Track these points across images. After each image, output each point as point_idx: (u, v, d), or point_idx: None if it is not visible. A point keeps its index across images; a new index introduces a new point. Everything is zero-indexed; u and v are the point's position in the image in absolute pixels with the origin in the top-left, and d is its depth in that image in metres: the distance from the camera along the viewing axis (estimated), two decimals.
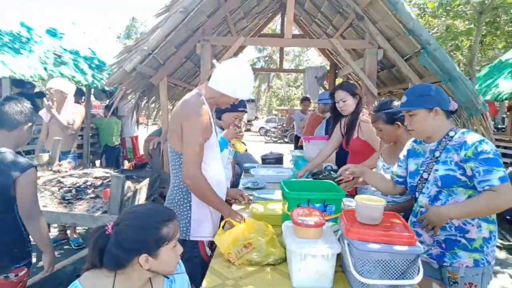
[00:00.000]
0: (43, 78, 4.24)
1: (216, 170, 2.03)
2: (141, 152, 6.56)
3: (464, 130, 1.77)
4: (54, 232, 4.17)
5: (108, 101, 7.14)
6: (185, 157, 1.82)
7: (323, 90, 7.15)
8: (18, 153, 2.18)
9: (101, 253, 1.28)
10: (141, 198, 2.84)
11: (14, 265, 1.97)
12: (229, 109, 2.27)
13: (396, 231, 1.42)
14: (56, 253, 3.89)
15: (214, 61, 2.03)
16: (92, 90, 6.20)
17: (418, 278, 1.37)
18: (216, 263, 1.69)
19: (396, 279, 1.37)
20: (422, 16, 8.86)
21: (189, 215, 1.94)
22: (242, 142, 2.72)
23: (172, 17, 3.40)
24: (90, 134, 5.84)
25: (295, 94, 34.38)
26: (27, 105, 2.06)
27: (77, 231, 4.16)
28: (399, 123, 2.12)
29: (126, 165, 6.41)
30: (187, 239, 1.94)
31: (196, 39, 4.09)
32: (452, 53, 9.39)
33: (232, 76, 1.92)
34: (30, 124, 2.06)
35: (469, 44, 8.33)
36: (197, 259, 1.85)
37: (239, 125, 2.70)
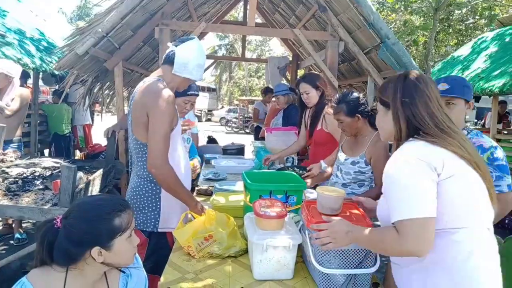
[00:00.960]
0: None
1: (182, 160, 1.97)
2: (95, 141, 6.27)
3: (477, 131, 1.81)
4: None
5: (57, 86, 6.70)
6: (151, 146, 1.74)
7: (284, 81, 7.19)
8: None
9: (51, 248, 1.19)
10: (94, 190, 2.69)
11: None
12: (179, 93, 2.18)
13: (354, 221, 1.44)
14: (1, 247, 3.66)
15: (169, 44, 1.94)
16: (40, 74, 5.77)
17: (375, 267, 1.40)
18: (175, 257, 1.64)
19: (355, 268, 1.40)
20: (381, 11, 9.13)
21: (158, 206, 1.89)
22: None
23: None
24: (38, 122, 5.45)
25: (256, 84, 34.39)
26: None
27: (23, 226, 3.90)
28: (359, 115, 2.16)
29: (78, 155, 6.09)
30: (155, 230, 1.89)
31: (155, 23, 3.92)
32: (407, 48, 9.81)
33: (195, 60, 1.86)
34: None
35: (424, 40, 8.73)
36: (164, 251, 1.79)
37: (189, 110, 2.60)
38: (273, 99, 4.91)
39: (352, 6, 3.60)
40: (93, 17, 3.63)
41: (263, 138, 4.63)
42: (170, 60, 1.85)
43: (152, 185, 1.88)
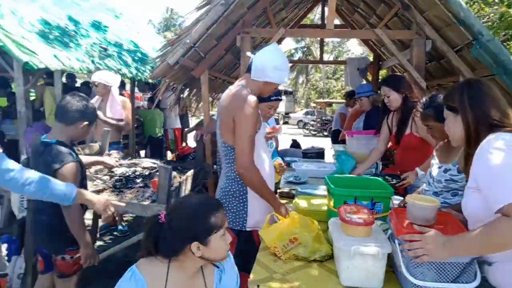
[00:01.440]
0: (90, 70, 4.42)
1: (266, 162, 2.06)
2: (184, 143, 6.75)
3: None
4: None
5: (150, 93, 7.37)
6: (238, 147, 1.87)
7: (365, 82, 6.95)
8: (73, 145, 2.30)
9: (156, 240, 1.34)
10: (186, 189, 2.91)
11: (68, 247, 2.11)
12: (263, 99, 2.27)
13: (450, 233, 1.36)
14: (107, 238, 4.15)
15: (248, 53, 2.06)
16: (136, 82, 6.41)
17: (475, 283, 1.31)
18: (262, 256, 1.71)
19: (451, 282, 1.32)
20: (472, 4, 8.32)
21: (245, 206, 1.99)
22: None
23: (213, 10, 3.42)
24: (135, 125, 6.06)
25: (334, 86, 33.70)
26: (90, 105, 2.17)
27: (124, 219, 4.37)
28: None
29: (169, 156, 6.60)
30: (243, 229, 2.00)
31: (236, 32, 4.09)
32: (505, 44, 8.78)
33: (274, 63, 1.94)
34: (86, 123, 2.16)
35: None
36: (251, 249, 1.89)
37: (273, 114, 2.68)
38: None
39: (438, 2, 3.36)
40: (182, 30, 3.92)
41: (342, 142, 4.55)
42: (249, 68, 1.99)
43: (240, 186, 1.98)
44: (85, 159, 2.48)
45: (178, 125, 6.99)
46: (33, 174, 1.67)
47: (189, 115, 8.01)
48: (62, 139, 2.10)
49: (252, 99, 1.88)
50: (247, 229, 2.00)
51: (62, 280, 2.16)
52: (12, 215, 3.33)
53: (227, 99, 1.97)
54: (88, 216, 3.13)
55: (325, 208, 2.11)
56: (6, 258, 3.08)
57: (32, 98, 5.16)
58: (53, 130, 2.18)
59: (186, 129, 7.14)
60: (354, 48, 32.74)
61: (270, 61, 1.94)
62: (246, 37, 4.02)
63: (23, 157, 3.74)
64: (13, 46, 3.42)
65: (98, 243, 3.90)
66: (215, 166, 4.33)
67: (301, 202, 2.24)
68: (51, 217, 2.09)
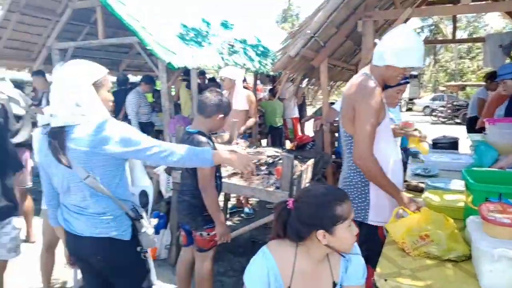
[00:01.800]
0: (220, 67, 4.85)
1: (391, 152, 1.99)
2: (306, 132, 6.88)
3: None
4: (232, 200, 4.90)
5: (270, 85, 7.71)
6: (356, 137, 1.84)
7: (510, 61, 5.94)
8: (210, 135, 2.58)
9: (284, 224, 1.44)
10: (307, 177, 3.01)
11: (205, 225, 2.38)
12: (389, 86, 2.14)
13: None
14: (235, 219, 4.57)
15: (376, 40, 1.95)
16: (258, 75, 6.77)
17: None
18: (389, 250, 1.66)
19: None
20: None
21: (367, 198, 1.96)
22: (424, 141, 2.52)
23: None
24: (257, 116, 6.43)
25: (468, 67, 29.41)
26: (224, 99, 2.40)
27: (250, 202, 4.73)
28: None
29: (289, 145, 6.83)
30: (365, 221, 1.98)
31: (357, 17, 3.95)
32: None
33: (395, 45, 1.81)
34: (222, 115, 2.39)
35: None
36: (374, 242, 1.87)
37: (400, 98, 2.50)
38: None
39: None
40: (303, 21, 3.97)
41: (479, 131, 4.01)
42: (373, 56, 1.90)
43: (361, 176, 1.94)
44: (218, 147, 2.77)
45: (296, 114, 7.15)
46: (172, 146, 1.74)
47: (306, 104, 8.11)
48: (202, 129, 2.38)
49: (373, 86, 1.80)
50: (369, 222, 1.96)
51: (201, 254, 2.46)
52: (160, 194, 3.92)
53: (350, 88, 1.94)
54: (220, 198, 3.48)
55: (461, 204, 1.93)
56: (154, 231, 3.65)
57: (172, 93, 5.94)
58: (195, 121, 2.48)
59: (303, 119, 7.25)
60: (494, 21, 27.66)
61: (392, 44, 1.83)
62: (368, 21, 3.86)
63: None
64: (158, 48, 3.98)
65: (227, 223, 4.31)
66: (333, 156, 4.32)
67: (433, 197, 2.08)
68: (193, 198, 2.38)
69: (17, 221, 2.35)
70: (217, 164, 1.92)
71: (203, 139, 2.31)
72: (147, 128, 5.54)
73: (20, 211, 2.45)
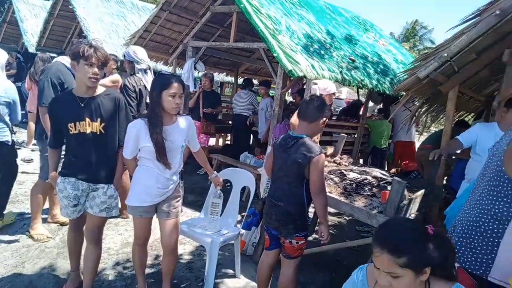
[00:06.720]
0: (337, 80, 4.83)
1: None
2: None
3: None
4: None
5: (381, 104, 7.39)
6: None
7: None
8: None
9: None
10: (414, 208, 2.81)
11: (296, 233, 2.41)
12: None
13: None
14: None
15: None
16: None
17: None
18: None
19: None
20: None
21: (494, 251, 1.65)
22: None
23: (484, 21, 3.07)
24: (362, 134, 6.22)
25: None
26: (324, 103, 2.45)
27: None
28: None
29: (392, 169, 6.46)
30: (484, 277, 1.68)
31: (505, 45, 3.54)
32: None
33: None
34: (324, 119, 2.44)
35: None
36: None
37: None
38: None
39: None
40: (441, 43, 3.71)
41: None
42: None
43: (497, 224, 1.65)
44: None
45: (403, 138, 6.70)
46: None
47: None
48: (308, 134, 2.42)
49: None
50: (489, 279, 1.66)
51: (288, 261, 2.50)
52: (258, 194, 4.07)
53: None
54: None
55: None
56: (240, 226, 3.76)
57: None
58: (299, 127, 2.49)
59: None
60: None
61: None
62: None
63: None
64: (283, 56, 4.16)
65: (314, 235, 4.27)
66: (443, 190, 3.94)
67: None
68: (288, 204, 2.41)
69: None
70: None
71: (315, 146, 2.34)
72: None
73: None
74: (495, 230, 1.65)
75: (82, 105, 2.33)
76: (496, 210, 1.64)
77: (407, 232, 1.30)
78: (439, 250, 1.30)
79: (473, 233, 1.71)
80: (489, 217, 1.68)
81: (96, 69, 2.26)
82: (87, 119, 2.33)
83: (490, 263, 1.65)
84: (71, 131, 2.33)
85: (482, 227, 1.69)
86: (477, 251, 1.69)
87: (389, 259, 1.24)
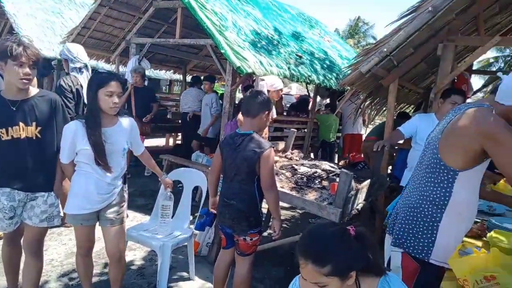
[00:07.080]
0: (286, 76, 4.89)
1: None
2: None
3: None
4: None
5: (328, 99, 7.63)
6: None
7: None
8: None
9: None
10: (360, 197, 2.91)
11: (249, 230, 2.39)
12: None
13: None
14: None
15: (499, 74, 1.77)
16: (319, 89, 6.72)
17: None
18: (447, 286, 1.56)
19: None
20: None
21: (434, 234, 1.74)
22: None
23: (419, 18, 3.26)
24: (312, 128, 6.38)
25: None
26: (264, 96, 2.44)
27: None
28: None
29: (341, 161, 6.69)
30: (425, 260, 1.75)
31: (438, 40, 3.79)
32: None
33: None
34: (266, 112, 2.42)
35: None
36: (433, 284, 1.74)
37: None
38: None
39: None
40: (380, 39, 3.88)
41: None
42: (496, 88, 1.70)
43: (436, 210, 1.73)
44: None
45: (351, 131, 6.97)
46: None
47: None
48: (254, 130, 2.38)
49: (505, 124, 1.57)
50: (431, 261, 1.73)
51: (243, 258, 2.48)
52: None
53: (469, 120, 1.65)
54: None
55: None
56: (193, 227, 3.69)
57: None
58: (244, 124, 2.45)
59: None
60: None
61: None
62: (450, 45, 3.69)
63: None
64: (231, 53, 4.11)
65: (269, 230, 4.29)
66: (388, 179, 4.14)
67: (502, 238, 1.91)
68: (240, 202, 2.37)
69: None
70: None
71: (264, 140, 2.33)
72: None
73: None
74: (434, 215, 1.74)
75: (14, 108, 2.14)
76: (434, 196, 1.73)
77: (329, 239, 1.28)
78: (361, 250, 1.30)
79: (415, 218, 1.79)
80: (428, 202, 1.76)
81: (27, 69, 2.08)
82: (21, 124, 2.15)
83: (431, 246, 1.73)
84: (2, 137, 2.13)
85: (423, 212, 1.77)
86: (419, 236, 1.77)
87: (314, 269, 1.23)
